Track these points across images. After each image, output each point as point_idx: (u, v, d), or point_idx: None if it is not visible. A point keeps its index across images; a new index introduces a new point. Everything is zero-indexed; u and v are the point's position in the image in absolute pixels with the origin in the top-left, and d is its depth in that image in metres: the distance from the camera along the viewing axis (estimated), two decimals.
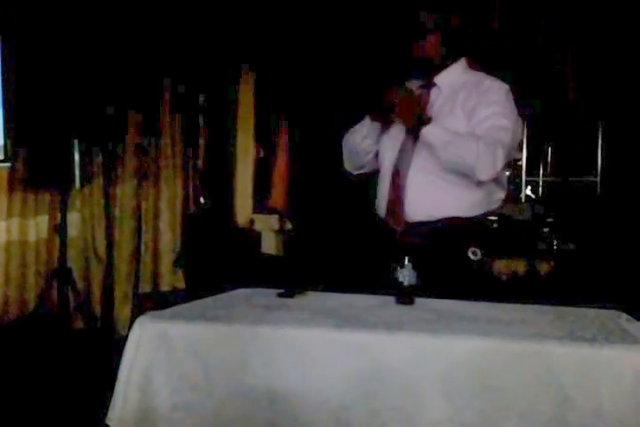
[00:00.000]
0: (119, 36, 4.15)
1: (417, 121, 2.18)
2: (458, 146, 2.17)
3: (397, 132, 2.32)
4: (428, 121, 2.18)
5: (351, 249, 2.47)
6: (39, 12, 3.90)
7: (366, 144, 2.37)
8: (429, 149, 2.21)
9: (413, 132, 2.24)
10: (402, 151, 2.29)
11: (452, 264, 2.18)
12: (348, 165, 2.49)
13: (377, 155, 2.42)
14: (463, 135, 2.19)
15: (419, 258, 1.88)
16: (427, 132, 2.18)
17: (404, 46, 2.30)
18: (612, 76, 4.57)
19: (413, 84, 2.34)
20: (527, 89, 4.43)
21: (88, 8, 4.00)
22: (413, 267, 1.84)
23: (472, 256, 2.15)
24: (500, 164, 2.18)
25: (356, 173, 2.51)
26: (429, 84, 2.34)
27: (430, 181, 2.25)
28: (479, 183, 2.22)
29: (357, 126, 2.39)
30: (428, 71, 2.33)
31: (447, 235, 2.22)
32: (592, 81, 4.63)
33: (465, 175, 2.20)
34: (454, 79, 2.32)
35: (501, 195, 2.37)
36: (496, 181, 2.29)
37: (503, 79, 2.33)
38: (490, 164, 2.15)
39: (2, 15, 3.71)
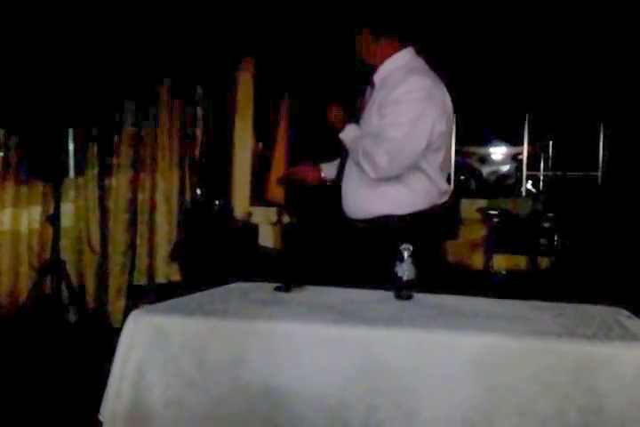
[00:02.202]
0: (116, 23, 4.11)
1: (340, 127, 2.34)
2: (355, 148, 2.27)
3: None
4: (342, 127, 2.30)
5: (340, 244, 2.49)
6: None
7: None
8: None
9: None
10: (344, 155, 2.40)
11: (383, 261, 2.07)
12: None
13: None
14: (357, 136, 2.28)
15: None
16: (340, 137, 2.33)
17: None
18: (615, 71, 4.55)
19: None
20: (529, 84, 4.43)
21: None
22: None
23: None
24: (383, 160, 2.18)
25: None
26: (371, 84, 2.39)
27: (359, 180, 2.31)
28: (399, 179, 2.24)
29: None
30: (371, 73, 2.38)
31: (379, 232, 2.25)
32: (594, 76, 4.60)
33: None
34: (382, 75, 2.33)
35: (434, 188, 2.30)
36: (423, 173, 2.27)
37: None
38: (372, 161, 2.20)
39: None
